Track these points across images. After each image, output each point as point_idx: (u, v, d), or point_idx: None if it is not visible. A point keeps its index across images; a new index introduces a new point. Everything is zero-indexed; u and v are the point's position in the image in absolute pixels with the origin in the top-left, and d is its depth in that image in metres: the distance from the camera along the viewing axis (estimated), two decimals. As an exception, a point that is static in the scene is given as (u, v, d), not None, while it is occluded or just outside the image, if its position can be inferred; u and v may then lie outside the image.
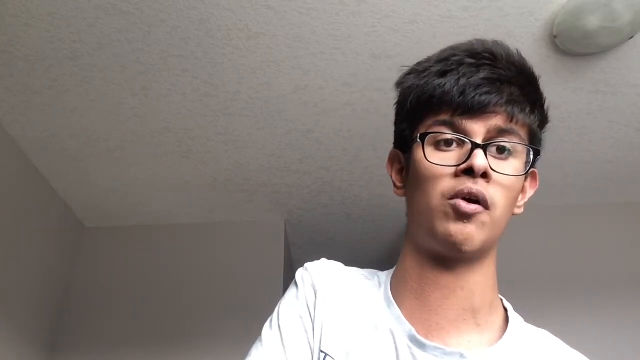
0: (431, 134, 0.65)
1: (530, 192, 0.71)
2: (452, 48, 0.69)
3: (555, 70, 1.61)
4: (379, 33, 1.48)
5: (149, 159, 1.96)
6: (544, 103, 0.69)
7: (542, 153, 0.68)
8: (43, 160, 1.94)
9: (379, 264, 0.79)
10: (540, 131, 0.69)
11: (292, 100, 1.71)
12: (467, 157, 0.62)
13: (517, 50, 0.68)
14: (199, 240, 2.32)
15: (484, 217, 0.62)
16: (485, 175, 0.61)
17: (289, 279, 0.82)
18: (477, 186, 0.61)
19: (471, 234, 0.61)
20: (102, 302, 2.16)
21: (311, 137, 1.88)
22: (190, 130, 1.83)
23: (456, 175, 0.62)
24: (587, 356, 0.69)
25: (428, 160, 0.64)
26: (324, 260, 0.76)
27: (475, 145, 0.62)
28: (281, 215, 2.34)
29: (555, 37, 1.48)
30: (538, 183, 0.72)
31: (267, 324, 0.71)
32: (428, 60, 0.70)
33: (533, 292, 1.99)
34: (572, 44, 1.50)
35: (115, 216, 2.29)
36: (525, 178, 0.69)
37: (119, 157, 1.94)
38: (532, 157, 0.65)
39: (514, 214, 0.68)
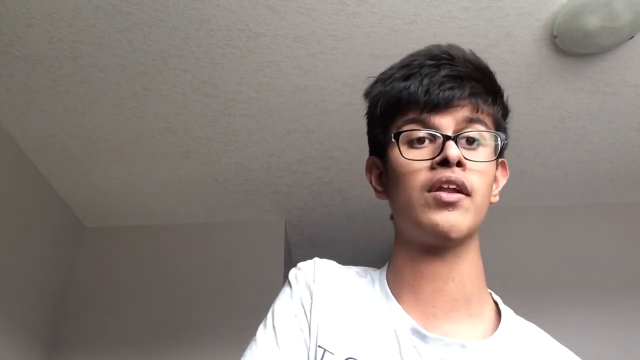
0: (404, 132, 0.68)
1: (502, 181, 0.75)
2: (411, 55, 0.73)
3: (555, 70, 1.61)
4: (379, 33, 1.48)
5: (149, 159, 1.96)
6: (504, 95, 0.73)
7: (509, 141, 0.72)
8: (43, 160, 1.94)
9: (379, 264, 0.79)
10: (504, 121, 0.73)
11: (292, 100, 1.71)
12: (440, 149, 0.65)
13: (470, 50, 0.72)
14: (199, 240, 2.32)
15: (467, 203, 0.64)
16: (460, 164, 0.64)
17: (288, 279, 0.82)
18: (455, 174, 0.64)
19: (456, 220, 0.64)
20: (102, 302, 2.16)
21: (311, 137, 1.88)
22: (190, 130, 1.83)
23: (432, 167, 0.65)
24: (587, 356, 0.69)
25: (404, 157, 0.67)
26: (316, 259, 0.76)
27: (446, 138, 0.65)
28: (281, 215, 2.34)
29: (555, 37, 1.48)
30: (508, 172, 0.76)
31: (261, 325, 0.71)
32: (391, 68, 0.74)
33: (532, 292, 1.99)
34: (572, 44, 1.50)
35: (115, 216, 2.29)
36: (497, 167, 0.72)
37: (119, 157, 1.94)
38: (499, 142, 0.68)
39: (491, 203, 0.70)
